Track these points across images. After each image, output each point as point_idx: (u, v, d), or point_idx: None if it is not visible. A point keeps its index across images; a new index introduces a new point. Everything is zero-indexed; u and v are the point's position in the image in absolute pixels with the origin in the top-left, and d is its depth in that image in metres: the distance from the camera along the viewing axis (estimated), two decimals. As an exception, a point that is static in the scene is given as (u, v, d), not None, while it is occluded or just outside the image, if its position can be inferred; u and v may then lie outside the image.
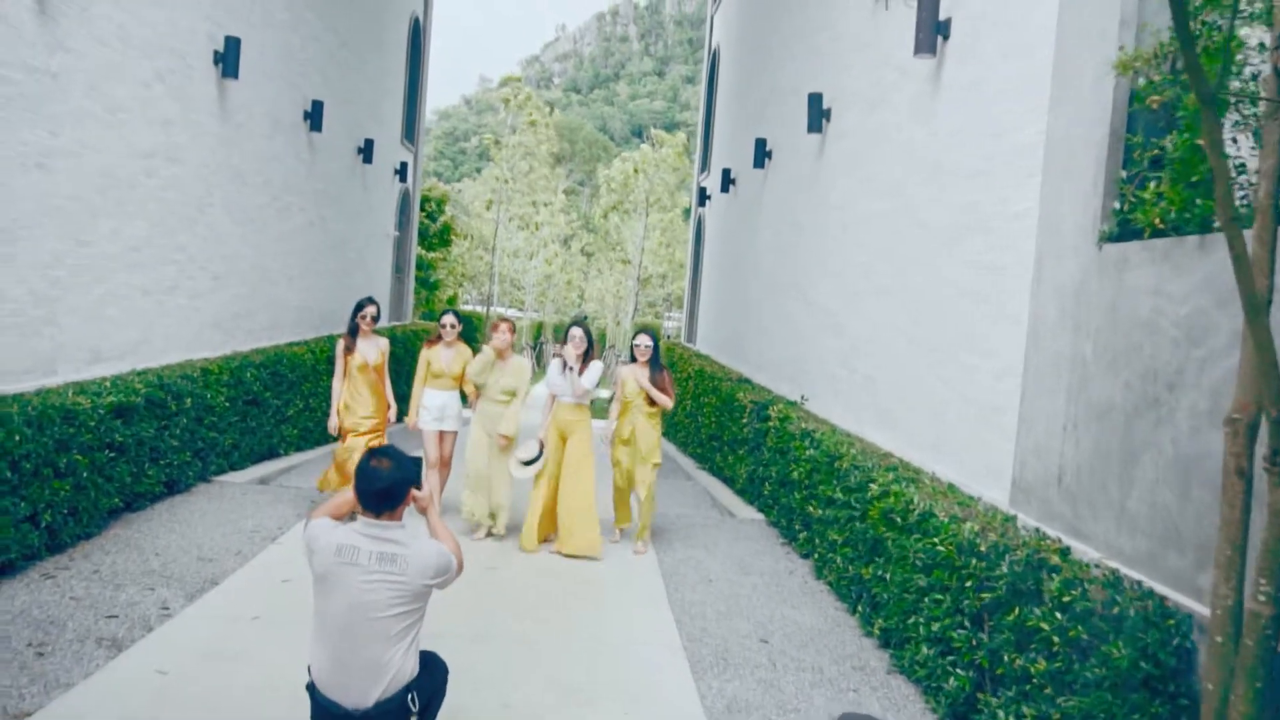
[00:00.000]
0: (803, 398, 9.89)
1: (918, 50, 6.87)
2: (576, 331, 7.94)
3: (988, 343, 5.90)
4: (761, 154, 12.81)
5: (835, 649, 5.92)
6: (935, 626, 5.02)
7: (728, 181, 15.74)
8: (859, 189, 8.73)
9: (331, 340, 11.97)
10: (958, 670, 4.78)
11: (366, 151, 15.56)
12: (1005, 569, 4.43)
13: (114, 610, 5.58)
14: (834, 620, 6.47)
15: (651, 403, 7.88)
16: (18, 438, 5.81)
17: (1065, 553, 4.34)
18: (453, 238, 28.45)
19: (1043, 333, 5.01)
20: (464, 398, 8.26)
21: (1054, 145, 5.04)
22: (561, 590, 6.73)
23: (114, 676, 4.67)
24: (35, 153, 6.73)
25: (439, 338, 8.12)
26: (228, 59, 9.57)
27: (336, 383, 8.10)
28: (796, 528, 8.09)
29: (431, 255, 26.23)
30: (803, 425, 8.38)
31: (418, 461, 3.83)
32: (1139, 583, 3.91)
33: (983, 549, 4.66)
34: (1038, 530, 4.73)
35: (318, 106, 12.66)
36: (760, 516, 9.46)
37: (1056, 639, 4.02)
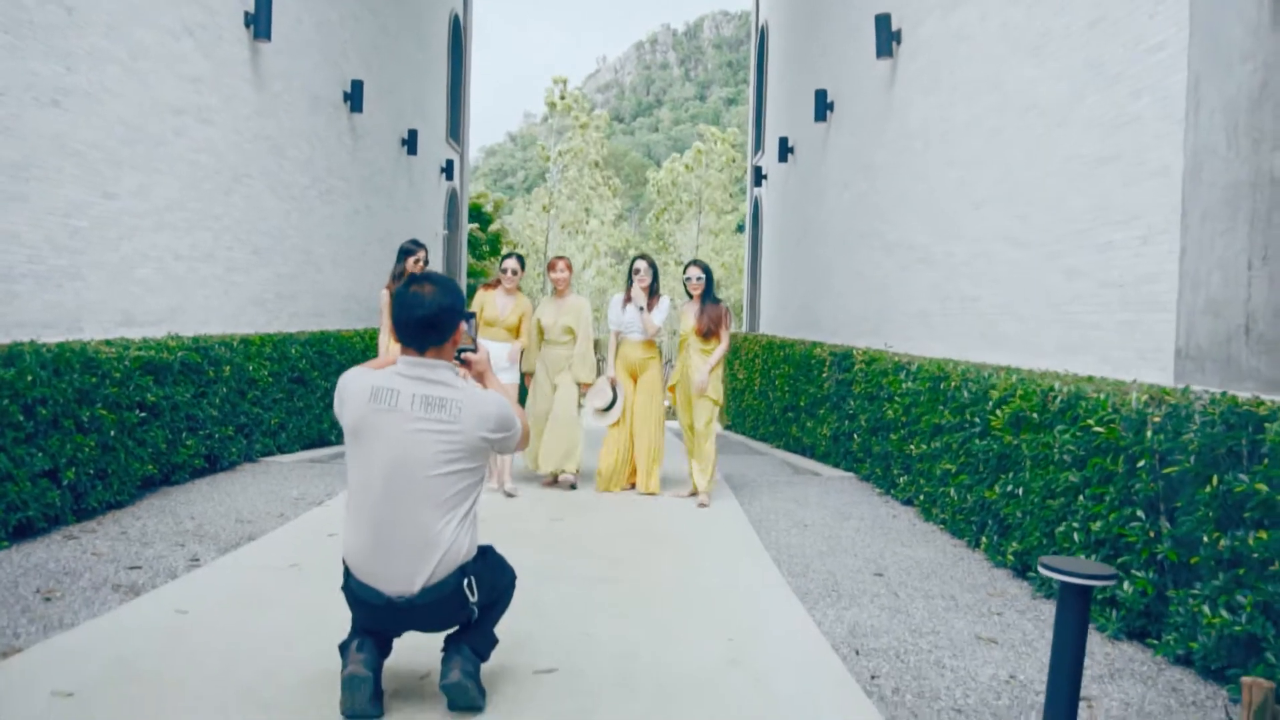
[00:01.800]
0: (886, 344, 9.03)
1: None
2: (641, 264, 7.27)
3: (1125, 210, 5.03)
4: (823, 106, 12.03)
5: (964, 579, 5.04)
6: (1096, 526, 4.14)
7: (785, 151, 14.97)
8: (945, 100, 7.91)
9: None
10: (1133, 572, 3.90)
11: (411, 143, 15.11)
12: (1194, 433, 3.55)
13: (138, 563, 4.94)
14: (954, 555, 5.59)
15: (706, 338, 7.10)
16: (30, 378, 5.22)
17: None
18: (504, 246, 28.00)
19: (1208, 166, 4.14)
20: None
21: (1205, -59, 4.20)
22: (639, 540, 5.93)
23: (124, 617, 3.99)
24: (49, 88, 6.23)
25: (497, 282, 7.41)
26: (259, 19, 9.10)
27: (384, 337, 7.41)
28: (895, 472, 7.23)
29: (483, 265, 25.78)
30: (895, 361, 7.53)
31: (470, 316, 3.10)
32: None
33: (1157, 419, 3.79)
34: (1224, 394, 3.84)
35: (358, 86, 12.20)
36: (849, 474, 8.60)
37: (1282, 498, 3.14)
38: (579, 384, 7.37)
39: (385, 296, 7.44)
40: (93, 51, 6.69)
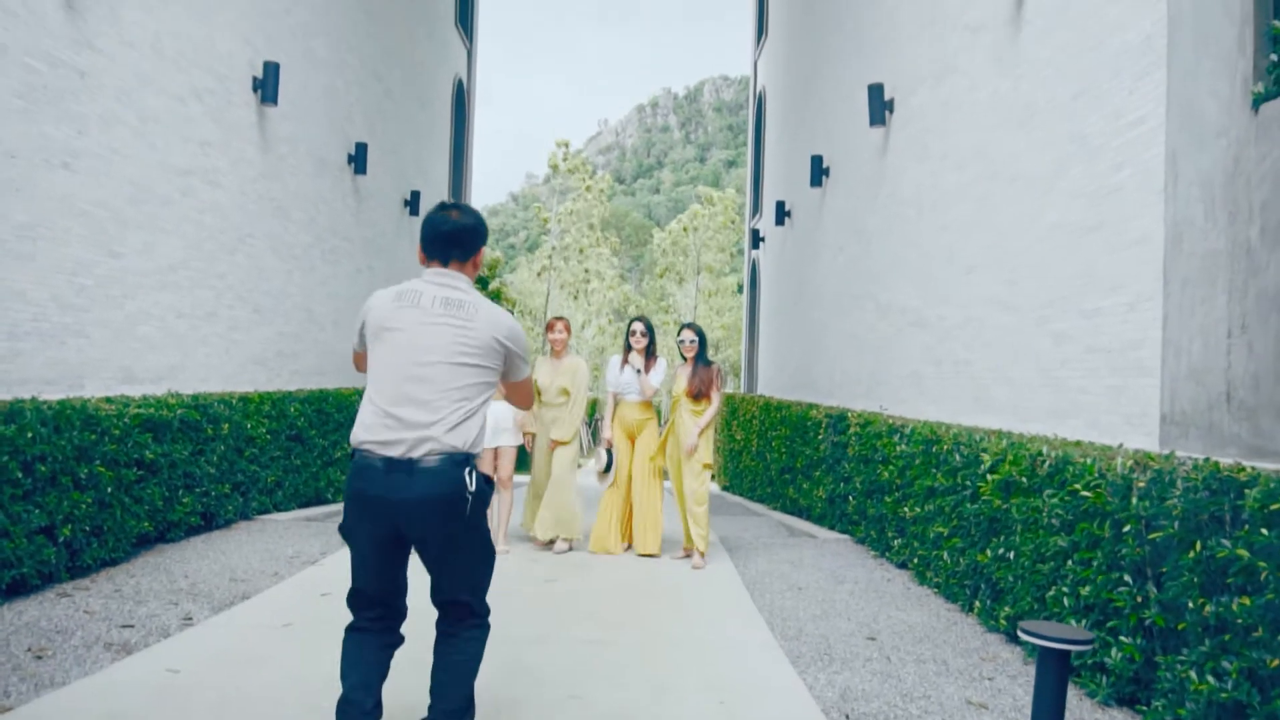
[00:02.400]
0: (881, 407, 9.09)
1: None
2: (638, 326, 7.38)
3: (1111, 278, 5.13)
4: (818, 171, 12.26)
5: (956, 644, 5.04)
6: (1085, 591, 4.16)
7: (782, 214, 15.20)
8: (936, 168, 8.08)
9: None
10: (1121, 638, 3.91)
11: (413, 204, 15.34)
12: (1178, 499, 3.60)
13: (131, 621, 4.94)
14: (948, 620, 5.59)
15: (697, 399, 7.19)
16: (30, 435, 5.27)
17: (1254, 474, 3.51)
18: (502, 305, 28.23)
19: (1187, 236, 4.25)
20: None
21: (1179, 21, 4.37)
22: (632, 600, 5.95)
23: (116, 676, 4.00)
24: (60, 150, 6.38)
25: None
26: (266, 84, 9.34)
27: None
28: (890, 535, 7.23)
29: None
30: (889, 423, 7.58)
31: None
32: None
33: (1142, 484, 3.84)
34: (1207, 460, 3.89)
35: (362, 149, 12.44)
36: (844, 537, 8.59)
37: (1263, 565, 3.18)
38: (555, 440, 7.37)
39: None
40: (104, 115, 6.87)
